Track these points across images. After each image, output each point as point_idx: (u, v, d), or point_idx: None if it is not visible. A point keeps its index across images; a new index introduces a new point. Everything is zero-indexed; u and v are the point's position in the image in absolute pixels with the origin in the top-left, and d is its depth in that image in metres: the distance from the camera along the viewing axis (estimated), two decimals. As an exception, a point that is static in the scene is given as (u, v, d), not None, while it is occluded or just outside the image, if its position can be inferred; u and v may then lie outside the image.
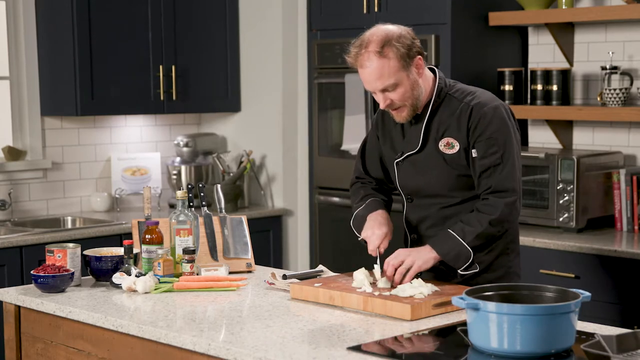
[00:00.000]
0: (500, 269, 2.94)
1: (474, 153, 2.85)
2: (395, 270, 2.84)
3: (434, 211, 2.96)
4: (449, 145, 2.88)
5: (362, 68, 2.84)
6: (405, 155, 2.97)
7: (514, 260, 2.98)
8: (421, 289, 2.74)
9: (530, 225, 4.40)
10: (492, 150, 2.83)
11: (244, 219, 3.55)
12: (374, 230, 2.96)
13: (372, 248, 2.94)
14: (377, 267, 2.91)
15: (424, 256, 2.85)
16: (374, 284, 2.84)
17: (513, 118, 2.93)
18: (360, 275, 2.87)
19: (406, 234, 3.09)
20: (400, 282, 2.82)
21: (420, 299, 2.69)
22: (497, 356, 2.24)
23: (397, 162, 3.00)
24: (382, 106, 2.88)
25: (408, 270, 2.83)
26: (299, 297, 2.90)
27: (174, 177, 5.47)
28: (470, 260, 2.83)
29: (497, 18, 4.71)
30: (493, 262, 2.93)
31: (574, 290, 2.35)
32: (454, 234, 2.83)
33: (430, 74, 2.95)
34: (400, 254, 2.87)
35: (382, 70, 2.80)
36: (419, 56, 2.85)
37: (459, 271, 2.86)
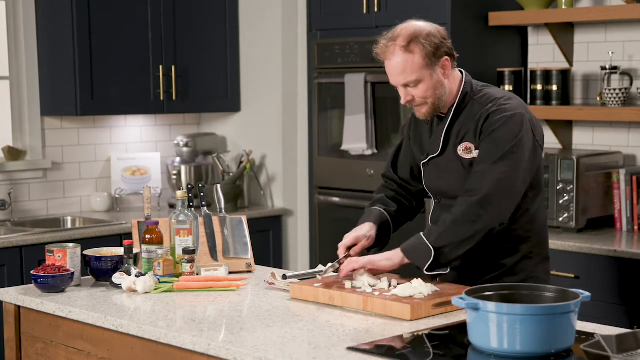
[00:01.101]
0: (521, 273, 2.89)
1: (475, 154, 2.84)
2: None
3: None
4: (467, 150, 2.86)
5: (387, 60, 2.85)
6: (429, 158, 2.97)
7: (538, 265, 2.93)
8: (421, 289, 2.74)
9: (530, 225, 4.39)
10: (486, 155, 2.80)
11: (244, 219, 3.55)
12: (349, 234, 3.03)
13: (339, 250, 3.02)
14: (328, 266, 2.99)
15: (384, 255, 2.88)
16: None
17: (534, 132, 2.85)
18: (361, 276, 2.86)
19: (405, 219, 3.12)
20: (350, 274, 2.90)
21: (420, 299, 2.69)
22: (497, 356, 2.24)
23: (422, 163, 3.01)
24: (402, 101, 2.88)
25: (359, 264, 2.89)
26: (298, 297, 2.90)
27: (174, 177, 5.47)
28: (431, 260, 2.78)
29: (497, 18, 4.71)
30: (516, 266, 2.89)
31: (574, 290, 2.35)
32: (421, 234, 2.83)
33: (459, 76, 2.92)
34: (366, 256, 2.92)
35: (406, 65, 2.80)
36: (447, 57, 2.84)
37: (424, 271, 2.83)
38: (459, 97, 2.89)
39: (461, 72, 2.94)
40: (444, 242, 2.79)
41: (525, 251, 2.90)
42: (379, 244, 3.09)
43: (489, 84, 3.02)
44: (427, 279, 2.88)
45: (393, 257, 2.86)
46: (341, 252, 3.02)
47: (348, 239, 3.04)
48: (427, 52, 2.80)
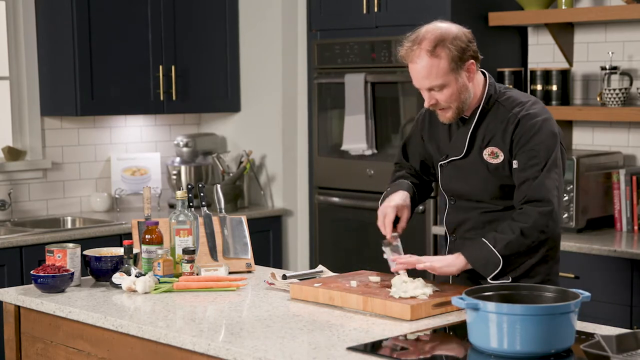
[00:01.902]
0: (538, 276, 2.87)
1: (515, 164, 2.79)
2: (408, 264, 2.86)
3: (475, 215, 2.91)
4: (494, 155, 2.83)
5: (412, 64, 2.79)
6: (449, 160, 2.94)
7: (552, 267, 2.92)
8: (425, 289, 2.73)
9: (530, 225, 4.40)
10: (532, 162, 2.77)
11: (244, 219, 3.55)
12: (384, 204, 2.97)
13: (379, 223, 2.95)
14: (386, 251, 2.93)
15: (446, 261, 2.82)
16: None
17: (561, 133, 2.86)
18: (397, 282, 2.82)
19: (446, 235, 3.06)
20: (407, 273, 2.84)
21: (421, 299, 2.69)
22: (497, 356, 2.24)
23: (440, 164, 2.97)
24: (426, 104, 2.84)
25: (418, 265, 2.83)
26: (298, 297, 2.90)
27: (174, 177, 5.47)
28: (499, 268, 2.75)
29: (497, 18, 4.71)
30: (533, 269, 2.86)
31: (574, 290, 2.35)
32: (486, 241, 2.77)
33: (482, 78, 2.88)
34: (426, 257, 2.86)
35: (431, 70, 2.75)
36: (472, 60, 2.80)
37: (488, 279, 2.79)
38: (483, 99, 2.86)
39: (484, 73, 2.90)
40: (512, 250, 2.76)
41: (542, 254, 2.87)
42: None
43: (510, 87, 2.99)
44: (428, 280, 2.89)
45: (456, 263, 2.81)
46: (388, 229, 2.93)
47: (390, 211, 2.94)
48: (453, 56, 2.75)
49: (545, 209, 2.75)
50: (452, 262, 2.82)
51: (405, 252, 2.94)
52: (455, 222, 2.99)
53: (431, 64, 2.75)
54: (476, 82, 2.85)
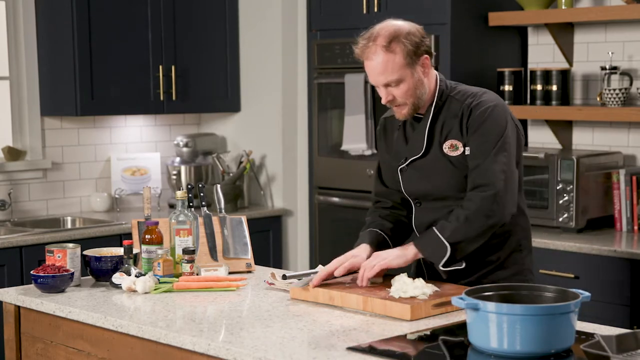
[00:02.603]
0: (513, 266, 2.91)
1: (467, 151, 2.83)
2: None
3: (443, 214, 2.90)
4: (453, 147, 2.86)
5: (367, 60, 2.83)
6: (409, 161, 2.94)
7: (526, 257, 2.95)
8: (424, 289, 2.73)
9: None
10: (481, 149, 2.80)
11: (244, 219, 3.55)
12: (340, 260, 2.92)
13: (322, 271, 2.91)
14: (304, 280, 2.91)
15: (395, 253, 2.84)
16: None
17: (512, 116, 2.89)
18: (397, 281, 2.81)
19: (404, 235, 3.08)
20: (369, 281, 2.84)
21: (421, 299, 2.69)
22: (497, 356, 2.24)
23: (400, 169, 2.98)
24: (383, 101, 2.87)
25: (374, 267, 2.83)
26: (298, 297, 2.90)
27: (174, 177, 5.47)
28: (447, 255, 2.78)
29: (497, 18, 4.71)
30: (506, 260, 2.90)
31: (574, 290, 2.35)
32: (435, 229, 2.81)
33: (435, 75, 2.93)
34: (375, 255, 2.87)
35: (387, 65, 2.79)
36: (426, 55, 2.85)
37: (440, 267, 2.82)
38: (436, 95, 2.90)
39: (435, 71, 2.95)
40: (459, 237, 2.78)
41: (514, 244, 2.91)
42: None
43: (485, 84, 3.02)
44: (428, 279, 2.89)
45: (406, 253, 2.84)
46: (315, 281, 2.88)
47: (340, 268, 2.89)
48: (407, 50, 2.80)
49: (489, 193, 2.77)
50: (402, 253, 2.83)
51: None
52: (424, 225, 2.97)
53: (387, 59, 2.79)
54: (430, 78, 2.89)
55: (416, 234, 3.03)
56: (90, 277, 3.28)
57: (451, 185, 2.88)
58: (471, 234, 2.78)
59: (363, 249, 2.96)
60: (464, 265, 2.84)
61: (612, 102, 4.39)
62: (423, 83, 2.85)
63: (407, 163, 2.95)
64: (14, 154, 5.06)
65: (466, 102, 2.86)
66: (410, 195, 3.00)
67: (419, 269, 3.03)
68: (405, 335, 2.49)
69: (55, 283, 3.06)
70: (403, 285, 2.76)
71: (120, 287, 3.10)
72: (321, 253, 5.26)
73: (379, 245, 2.99)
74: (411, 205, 3.04)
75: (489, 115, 2.82)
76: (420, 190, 2.96)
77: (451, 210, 2.86)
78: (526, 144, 4.90)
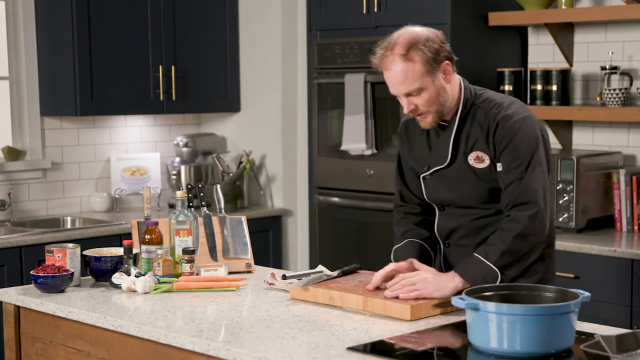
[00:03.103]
0: (536, 275, 2.83)
1: (499, 167, 2.76)
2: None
3: (467, 222, 2.87)
4: (479, 160, 2.79)
5: (386, 71, 2.76)
6: (433, 170, 2.88)
7: (550, 265, 2.89)
8: None
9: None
10: (515, 164, 2.73)
11: (244, 219, 3.55)
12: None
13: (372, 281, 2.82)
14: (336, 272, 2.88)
15: (441, 284, 2.70)
16: None
17: (542, 129, 2.81)
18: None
19: (439, 242, 2.99)
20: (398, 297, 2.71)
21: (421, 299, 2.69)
22: (497, 356, 2.24)
23: (423, 177, 2.92)
24: (405, 111, 2.79)
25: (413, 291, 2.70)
26: (298, 297, 2.90)
27: (174, 177, 5.47)
28: (499, 280, 2.70)
29: (497, 18, 4.71)
30: (529, 268, 2.82)
31: (574, 290, 2.35)
32: (478, 256, 2.72)
33: (459, 80, 2.85)
34: (420, 275, 2.72)
35: (407, 74, 2.71)
36: (447, 61, 2.75)
37: None
38: (461, 104, 2.82)
39: (459, 77, 2.87)
40: (507, 260, 2.71)
41: (539, 252, 2.83)
42: None
43: (485, 84, 2.97)
44: None
45: (447, 286, 2.69)
46: (375, 281, 2.80)
47: (387, 269, 2.81)
48: (427, 58, 2.71)
49: (532, 212, 2.71)
50: (443, 286, 2.70)
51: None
52: (446, 230, 2.93)
53: (406, 69, 2.71)
54: (453, 84, 2.81)
55: (437, 238, 2.97)
56: (90, 277, 3.27)
57: (475, 195, 2.83)
58: (520, 254, 2.72)
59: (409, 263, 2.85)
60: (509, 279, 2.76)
61: (612, 102, 4.38)
62: (445, 90, 2.77)
63: (430, 172, 2.89)
64: (13, 154, 5.06)
65: (492, 112, 2.78)
66: (433, 202, 2.95)
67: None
68: (405, 335, 2.49)
69: (55, 283, 3.06)
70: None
71: (120, 287, 3.09)
72: (321, 253, 5.26)
73: (422, 257, 2.91)
74: (433, 208, 2.99)
75: (518, 130, 2.74)
76: (444, 199, 2.90)
77: (477, 218, 2.83)
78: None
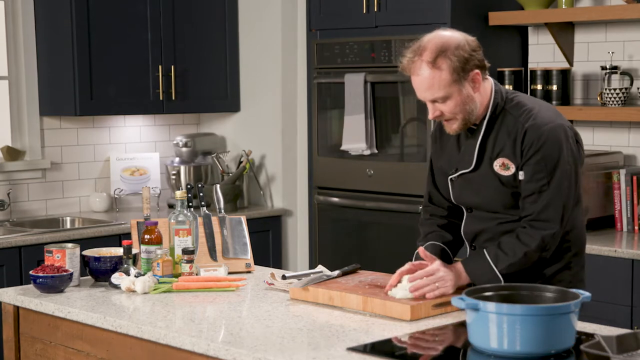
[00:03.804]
0: (559, 283, 2.80)
1: (521, 175, 2.73)
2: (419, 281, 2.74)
3: (492, 225, 2.84)
4: (504, 167, 2.76)
5: (413, 75, 2.71)
6: (459, 173, 2.86)
7: (577, 274, 2.86)
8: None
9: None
10: (539, 176, 2.70)
11: (243, 219, 3.55)
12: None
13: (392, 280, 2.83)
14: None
15: (454, 283, 2.73)
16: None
17: (576, 139, 2.77)
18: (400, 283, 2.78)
19: (465, 244, 2.97)
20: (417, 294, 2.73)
21: (421, 299, 2.68)
22: (497, 356, 2.24)
23: (450, 179, 2.90)
24: (430, 116, 2.76)
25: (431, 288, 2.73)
26: (298, 297, 2.90)
27: (173, 177, 5.46)
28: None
29: (497, 18, 4.70)
30: (555, 276, 2.81)
31: (574, 290, 2.34)
32: (488, 258, 2.72)
33: (489, 86, 2.79)
34: (438, 271, 2.74)
35: (433, 82, 2.66)
36: (477, 70, 2.70)
37: None
38: (490, 109, 2.77)
39: (491, 80, 2.81)
40: (512, 270, 2.72)
41: (566, 261, 2.82)
42: None
43: (517, 91, 2.91)
44: None
45: (459, 282, 2.74)
46: (395, 278, 2.80)
47: (408, 266, 2.83)
48: (454, 67, 2.65)
49: (550, 232, 2.70)
50: (457, 282, 2.74)
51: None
52: (473, 232, 2.91)
53: (432, 76, 2.66)
54: (483, 91, 2.76)
55: (465, 241, 2.96)
56: (89, 277, 3.27)
57: (498, 201, 2.80)
58: (523, 267, 2.73)
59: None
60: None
61: (613, 101, 4.38)
62: (473, 98, 2.72)
63: (457, 174, 2.87)
64: (13, 154, 5.05)
65: (520, 119, 2.73)
66: (460, 204, 2.93)
67: None
68: (405, 336, 2.49)
69: (55, 283, 3.06)
70: (407, 284, 2.74)
71: (120, 288, 3.09)
72: (321, 253, 5.26)
73: (442, 259, 2.89)
74: (461, 210, 2.97)
75: (545, 141, 2.69)
76: (470, 202, 2.88)
77: (502, 223, 2.80)
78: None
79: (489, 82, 2.80)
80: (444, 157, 2.94)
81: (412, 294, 2.70)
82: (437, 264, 2.77)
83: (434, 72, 2.66)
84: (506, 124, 2.76)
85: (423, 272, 2.75)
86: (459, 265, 2.78)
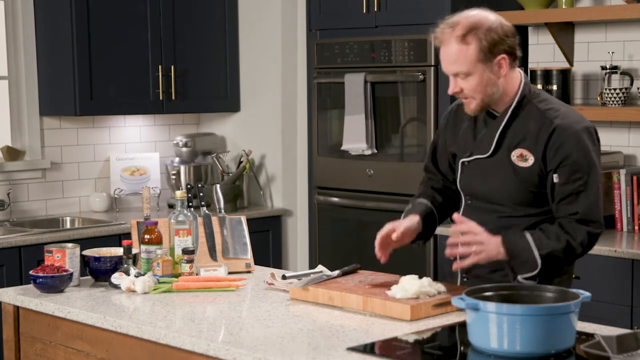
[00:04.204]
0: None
1: (555, 178, 2.71)
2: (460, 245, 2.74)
3: (492, 219, 2.82)
4: (522, 158, 2.75)
5: (442, 46, 2.74)
6: (474, 157, 2.85)
7: (565, 281, 2.84)
8: (429, 289, 2.72)
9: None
10: (575, 177, 2.69)
11: (243, 219, 3.55)
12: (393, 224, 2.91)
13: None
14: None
15: (492, 251, 2.71)
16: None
17: (597, 140, 2.78)
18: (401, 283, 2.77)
19: (449, 211, 2.99)
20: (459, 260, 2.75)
21: (421, 299, 2.68)
22: (497, 356, 2.24)
23: (463, 162, 2.89)
24: (450, 91, 2.77)
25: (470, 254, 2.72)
26: (298, 297, 2.90)
27: (173, 177, 5.46)
28: (534, 273, 2.69)
29: (496, 18, 4.70)
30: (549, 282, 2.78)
31: (574, 290, 2.34)
32: (531, 240, 2.70)
33: (518, 77, 2.80)
34: (477, 234, 2.71)
35: (459, 56, 2.69)
36: (504, 55, 2.71)
37: (519, 276, 2.73)
38: (517, 98, 2.77)
39: (521, 72, 2.83)
40: (551, 259, 2.69)
41: (558, 269, 2.81)
42: (422, 237, 2.98)
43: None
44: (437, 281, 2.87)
45: (496, 255, 2.71)
46: (377, 242, 2.88)
47: (394, 230, 2.89)
48: (482, 46, 2.68)
49: (596, 232, 2.70)
50: (494, 254, 2.71)
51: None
52: None
53: (459, 50, 2.69)
54: (509, 79, 2.76)
55: (450, 211, 2.97)
56: (89, 277, 3.27)
57: (506, 192, 2.79)
58: (560, 258, 2.71)
59: (414, 220, 2.92)
60: (537, 281, 2.73)
61: (613, 101, 4.38)
62: (496, 83, 2.73)
63: (471, 159, 2.86)
64: (13, 154, 5.05)
65: (547, 115, 2.73)
66: (464, 191, 2.92)
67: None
68: (405, 336, 2.49)
69: (55, 283, 3.06)
70: (406, 284, 2.74)
71: (120, 287, 3.09)
72: (321, 253, 5.26)
73: (426, 217, 2.95)
74: (451, 194, 3.01)
75: (579, 142, 2.69)
76: (476, 190, 2.87)
77: (503, 217, 2.79)
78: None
79: (518, 73, 2.81)
80: (456, 142, 2.94)
81: (412, 292, 2.69)
82: (479, 228, 2.72)
83: (461, 46, 2.69)
84: (531, 116, 2.76)
85: (466, 226, 2.72)
86: (498, 238, 2.73)
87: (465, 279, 2.94)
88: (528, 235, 2.71)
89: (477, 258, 2.71)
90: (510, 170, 2.77)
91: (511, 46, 2.74)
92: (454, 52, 2.70)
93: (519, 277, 2.74)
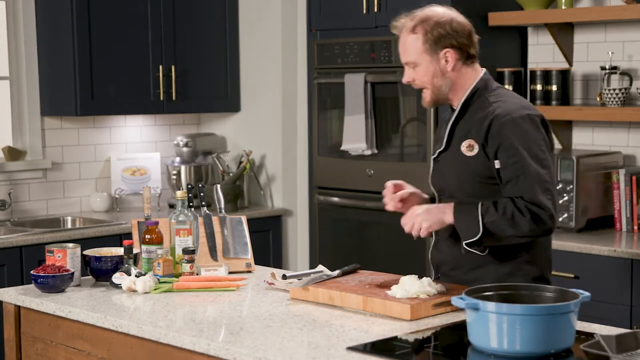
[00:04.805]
0: (523, 278, 2.83)
1: (497, 164, 2.78)
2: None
3: None
4: (470, 148, 2.83)
5: (399, 36, 2.91)
6: (437, 153, 2.95)
7: (543, 270, 2.88)
8: (429, 289, 2.72)
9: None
10: (512, 160, 2.74)
11: (244, 219, 3.55)
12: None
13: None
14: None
15: (433, 218, 2.80)
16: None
17: (544, 127, 2.82)
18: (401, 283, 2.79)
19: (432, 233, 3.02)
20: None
21: (421, 299, 2.69)
22: (497, 356, 2.24)
23: (432, 159, 2.99)
24: (404, 80, 2.92)
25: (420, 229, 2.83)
26: (298, 297, 2.90)
27: (174, 177, 5.47)
28: (475, 238, 2.74)
29: (496, 18, 4.71)
30: (514, 272, 2.84)
31: (574, 290, 2.35)
32: (480, 207, 2.74)
33: (476, 74, 2.90)
34: (411, 215, 2.85)
35: (407, 45, 2.87)
36: (450, 49, 2.84)
37: (463, 243, 2.79)
38: (468, 91, 2.88)
39: (482, 70, 2.92)
40: (495, 230, 2.73)
41: (528, 257, 2.84)
42: None
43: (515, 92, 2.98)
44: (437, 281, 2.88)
45: (444, 219, 2.81)
46: (387, 191, 3.05)
47: (399, 188, 3.04)
48: (428, 38, 2.83)
49: (544, 217, 2.70)
50: (437, 220, 2.81)
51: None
52: None
53: (409, 40, 2.86)
54: (464, 74, 2.87)
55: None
56: (90, 277, 3.28)
57: (460, 187, 2.85)
58: (505, 234, 2.74)
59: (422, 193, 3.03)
60: (485, 252, 2.81)
61: (612, 102, 4.38)
62: (444, 75, 2.86)
63: (435, 155, 2.97)
64: (14, 154, 5.06)
65: (492, 106, 2.82)
66: (433, 187, 3.01)
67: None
68: (405, 336, 2.49)
69: (55, 283, 3.06)
70: (406, 284, 2.74)
71: (120, 287, 3.10)
72: (321, 253, 5.26)
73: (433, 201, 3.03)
74: None
75: (514, 127, 2.75)
76: (440, 185, 2.96)
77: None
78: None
79: (477, 71, 2.92)
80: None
81: (412, 292, 2.70)
82: (411, 211, 2.87)
83: (410, 37, 2.86)
84: (481, 108, 2.85)
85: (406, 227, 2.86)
86: (450, 204, 2.82)
87: (438, 276, 3.01)
88: (479, 204, 2.77)
89: (423, 229, 2.82)
90: (462, 162, 2.85)
91: (462, 43, 2.86)
92: (404, 42, 2.88)
93: (463, 244, 2.80)
